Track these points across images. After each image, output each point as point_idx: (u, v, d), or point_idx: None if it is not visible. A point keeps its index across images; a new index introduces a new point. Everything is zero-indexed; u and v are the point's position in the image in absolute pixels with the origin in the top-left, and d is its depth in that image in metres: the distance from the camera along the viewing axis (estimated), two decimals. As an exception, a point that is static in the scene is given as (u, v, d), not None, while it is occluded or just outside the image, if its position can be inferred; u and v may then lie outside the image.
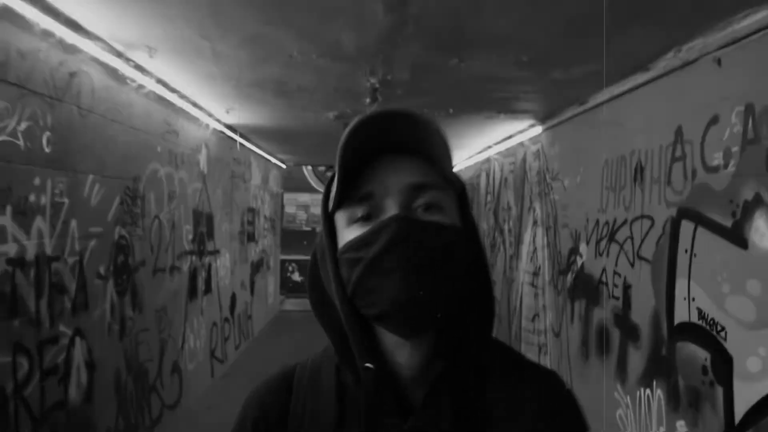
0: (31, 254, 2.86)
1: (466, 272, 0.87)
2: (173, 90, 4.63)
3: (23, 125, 2.80)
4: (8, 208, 2.67)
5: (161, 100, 4.62)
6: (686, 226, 3.18)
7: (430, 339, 0.87)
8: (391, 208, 0.83)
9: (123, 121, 3.97)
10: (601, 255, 4.39)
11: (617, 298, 4.08)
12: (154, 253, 4.60)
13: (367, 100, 4.81)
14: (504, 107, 5.23)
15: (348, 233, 0.86)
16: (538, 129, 5.95)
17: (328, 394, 0.92)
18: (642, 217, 3.72)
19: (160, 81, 4.32)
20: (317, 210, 14.64)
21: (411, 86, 4.40)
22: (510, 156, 7.43)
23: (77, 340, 3.32)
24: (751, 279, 2.62)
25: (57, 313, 3.10)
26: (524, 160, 6.79)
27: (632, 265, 3.85)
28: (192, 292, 5.71)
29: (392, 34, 3.21)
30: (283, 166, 11.66)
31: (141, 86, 4.16)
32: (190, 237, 5.62)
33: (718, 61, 2.90)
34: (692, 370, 3.06)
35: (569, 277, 5.16)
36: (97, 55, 3.44)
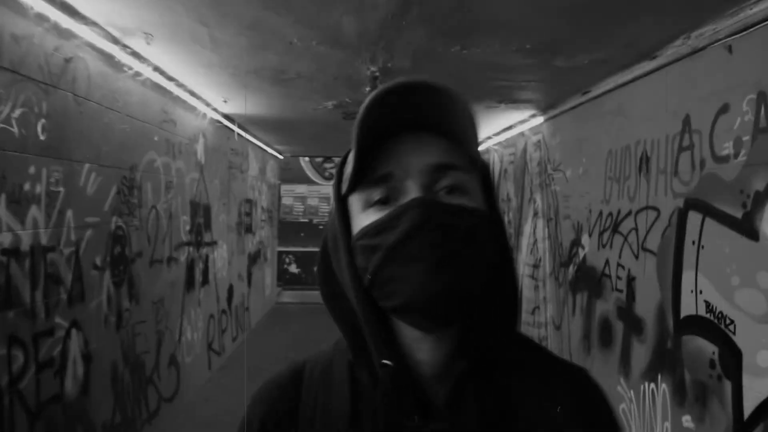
0: (26, 244, 2.79)
1: (491, 260, 0.81)
2: (170, 78, 4.55)
3: (17, 112, 2.73)
4: (2, 197, 2.60)
5: (158, 88, 4.54)
6: (694, 217, 3.13)
7: (453, 333, 0.80)
8: (412, 191, 0.76)
9: (119, 109, 3.90)
10: (604, 247, 4.34)
11: (621, 291, 4.03)
12: (151, 244, 4.54)
13: (367, 89, 4.74)
14: (505, 96, 5.17)
15: (364, 218, 0.79)
16: (540, 119, 5.89)
17: (340, 392, 0.85)
18: (647, 208, 3.67)
19: (157, 69, 4.24)
20: (314, 201, 14.52)
21: (412, 74, 4.32)
22: (510, 147, 7.37)
23: (73, 332, 3.25)
24: (761, 271, 2.57)
25: (53, 304, 3.04)
26: (525, 150, 6.73)
27: (636, 257, 3.80)
28: (189, 284, 5.65)
29: (395, 19, 3.14)
30: (281, 157, 11.59)
31: (138, 74, 4.08)
32: (188, 228, 5.56)
33: (729, 48, 2.84)
34: (699, 364, 3.02)
35: (571, 269, 5.11)
36: (93, 40, 3.36)
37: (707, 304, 2.96)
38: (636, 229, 3.81)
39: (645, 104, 3.76)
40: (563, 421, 0.81)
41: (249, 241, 8.83)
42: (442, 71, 4.23)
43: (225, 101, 5.64)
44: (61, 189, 3.12)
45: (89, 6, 3.05)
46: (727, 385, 2.78)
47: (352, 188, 0.80)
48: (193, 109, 5.49)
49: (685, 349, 3.17)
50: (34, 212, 2.87)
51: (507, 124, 6.73)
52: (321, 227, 13.31)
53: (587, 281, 4.70)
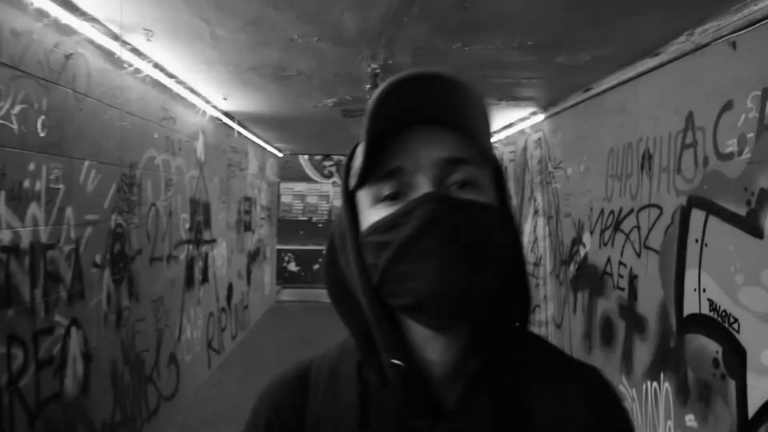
0: (25, 242, 2.77)
1: (504, 257, 0.79)
2: (171, 75, 4.53)
3: (17, 108, 2.70)
4: (2, 194, 2.58)
5: (158, 85, 4.52)
6: (697, 215, 3.11)
7: (464, 332, 0.79)
8: (424, 185, 0.74)
9: (119, 106, 3.87)
10: (605, 245, 4.33)
11: (623, 289, 4.02)
12: (151, 242, 4.52)
13: (368, 86, 4.73)
14: (506, 94, 5.14)
15: (373, 213, 0.77)
16: (540, 116, 5.88)
17: (348, 392, 0.83)
18: (649, 206, 3.65)
19: (157, 65, 4.22)
20: (313, 199, 14.49)
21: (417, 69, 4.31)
22: (510, 144, 7.35)
23: (73, 330, 3.23)
24: (766, 269, 2.56)
25: (52, 302, 3.02)
26: (525, 148, 6.71)
27: (639, 255, 3.78)
28: (189, 282, 5.63)
29: (396, 16, 3.12)
30: (280, 155, 11.56)
31: (138, 70, 4.06)
32: (187, 226, 5.53)
33: (733, 45, 2.83)
34: (702, 363, 3.01)
35: (572, 268, 5.10)
36: (93, 37, 3.34)
37: (711, 302, 2.95)
38: (638, 227, 3.79)
39: (647, 101, 3.74)
40: (576, 421, 0.79)
41: (248, 239, 8.81)
42: (443, 68, 4.20)
43: (225, 98, 5.61)
44: (61, 186, 3.10)
45: (89, 2, 3.03)
46: (731, 384, 2.76)
47: (361, 183, 0.78)
48: (192, 106, 5.46)
49: (688, 347, 3.16)
50: (34, 209, 2.85)
51: (508, 122, 6.71)
52: (320, 225, 13.29)
53: (588, 279, 4.68)
